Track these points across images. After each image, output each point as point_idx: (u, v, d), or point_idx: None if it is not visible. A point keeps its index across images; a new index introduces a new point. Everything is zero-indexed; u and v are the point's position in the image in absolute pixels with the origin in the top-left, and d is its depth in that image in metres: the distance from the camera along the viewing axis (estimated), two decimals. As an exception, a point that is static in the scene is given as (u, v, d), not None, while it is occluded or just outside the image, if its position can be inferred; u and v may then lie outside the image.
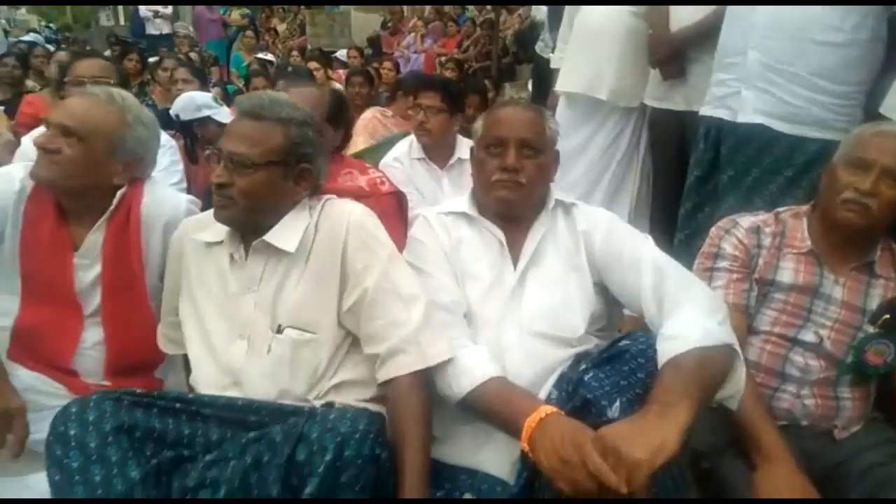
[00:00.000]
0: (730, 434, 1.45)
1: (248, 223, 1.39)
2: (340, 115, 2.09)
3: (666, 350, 1.20)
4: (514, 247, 1.49)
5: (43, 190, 1.55)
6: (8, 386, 1.40)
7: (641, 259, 1.39)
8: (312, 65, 5.57)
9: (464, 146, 2.70)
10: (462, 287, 1.45)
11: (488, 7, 9.21)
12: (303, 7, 12.70)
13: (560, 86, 2.95)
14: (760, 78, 1.91)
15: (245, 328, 1.39)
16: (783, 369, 1.52)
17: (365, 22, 12.12)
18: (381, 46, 10.07)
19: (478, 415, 1.31)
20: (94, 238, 1.58)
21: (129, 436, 1.20)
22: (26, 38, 8.01)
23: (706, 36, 2.37)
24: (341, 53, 7.83)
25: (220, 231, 1.42)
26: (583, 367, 1.28)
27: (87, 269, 1.59)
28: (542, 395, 1.34)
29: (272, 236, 1.38)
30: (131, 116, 1.56)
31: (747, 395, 1.34)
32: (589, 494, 1.05)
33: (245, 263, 1.41)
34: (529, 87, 6.12)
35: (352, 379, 1.41)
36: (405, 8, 11.44)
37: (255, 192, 1.33)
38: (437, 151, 2.66)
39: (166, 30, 10.57)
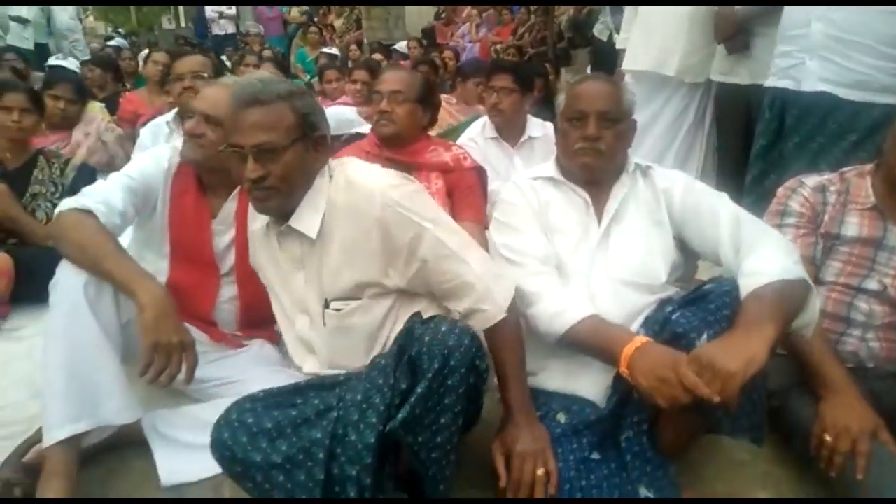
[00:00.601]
0: (797, 375, 1.60)
1: (286, 208, 1.44)
2: (430, 96, 2.30)
3: (747, 284, 1.35)
4: (598, 206, 1.64)
5: (186, 167, 1.81)
6: (182, 323, 1.56)
7: (719, 211, 1.54)
8: (377, 56, 5.80)
9: (534, 125, 2.88)
10: (551, 242, 1.61)
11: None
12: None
13: (627, 64, 3.08)
14: (824, 48, 2.01)
15: (303, 304, 1.52)
16: (848, 315, 1.64)
17: (418, 14, 12.33)
18: (436, 37, 10.25)
19: (575, 348, 1.49)
20: (229, 207, 1.83)
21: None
22: (112, 42, 8.57)
23: (769, 12, 2.48)
24: (400, 45, 8.04)
25: (262, 217, 1.53)
26: (669, 308, 1.45)
27: (223, 235, 1.84)
28: None
29: (296, 221, 1.44)
30: None
31: (814, 335, 1.49)
32: (684, 407, 1.23)
33: (285, 246, 1.51)
34: (588, 70, 6.22)
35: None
36: (458, -2, 11.61)
37: (291, 173, 1.38)
38: (509, 130, 2.84)
39: (231, 30, 11.06)
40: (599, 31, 5.13)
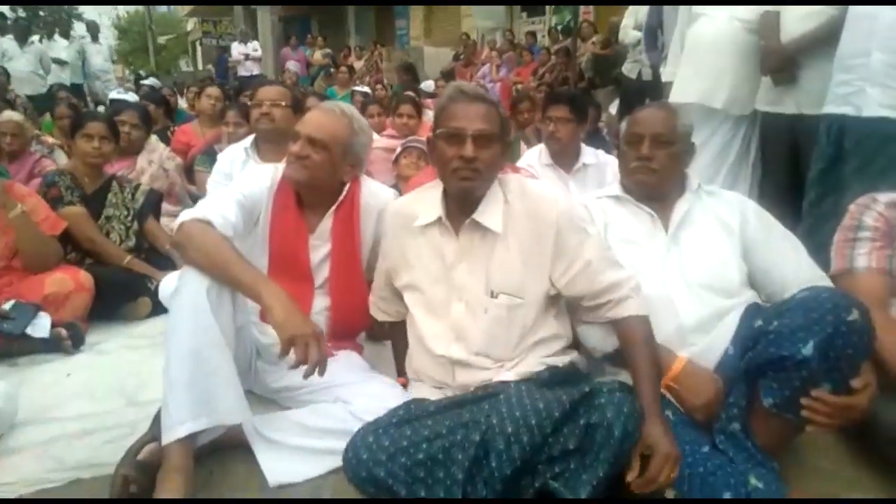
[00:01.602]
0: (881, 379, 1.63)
1: (477, 194, 1.61)
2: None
3: None
4: (664, 219, 1.78)
5: (286, 185, 1.92)
6: (308, 317, 1.67)
7: (798, 262, 1.71)
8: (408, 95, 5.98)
9: (587, 153, 3.01)
10: (619, 253, 1.72)
11: (561, 38, 9.61)
12: (378, 45, 13.47)
13: (674, 97, 3.20)
14: (885, 76, 2.14)
15: (462, 293, 1.64)
16: None
17: (436, 56, 12.73)
18: (456, 78, 10.53)
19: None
20: (325, 223, 1.93)
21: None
22: (146, 82, 8.92)
23: (816, 45, 2.62)
24: (426, 85, 8.28)
25: (433, 212, 1.66)
26: (760, 321, 1.52)
27: (319, 249, 1.94)
28: (717, 346, 1.62)
29: (480, 216, 1.61)
30: (356, 126, 1.91)
31: None
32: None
33: (457, 238, 1.65)
34: (611, 109, 6.40)
35: (547, 336, 1.67)
36: (477, 41, 11.98)
37: (492, 163, 1.59)
38: (564, 158, 2.96)
39: (256, 71, 11.42)
40: (629, 69, 5.32)
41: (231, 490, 1.67)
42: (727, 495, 1.38)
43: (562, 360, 1.66)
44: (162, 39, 27.13)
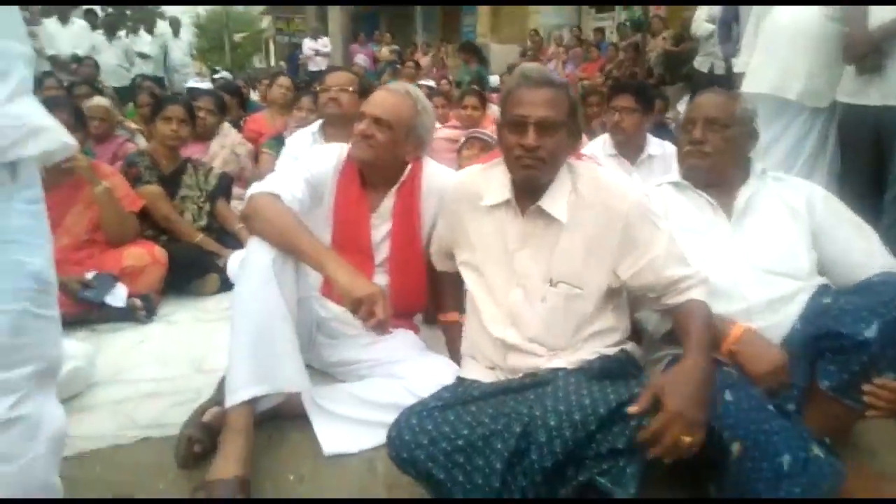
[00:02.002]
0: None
1: (542, 181, 1.57)
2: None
3: None
4: (726, 206, 1.73)
5: (350, 164, 1.96)
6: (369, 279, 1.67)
7: (864, 226, 1.64)
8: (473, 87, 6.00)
9: (653, 144, 2.93)
10: (681, 240, 1.64)
11: (630, 33, 9.40)
12: (444, 42, 13.54)
13: (746, 87, 3.08)
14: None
15: (521, 278, 1.60)
16: None
17: (502, 52, 12.68)
18: (522, 74, 10.44)
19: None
20: (387, 203, 1.96)
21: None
22: (218, 76, 9.33)
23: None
24: (492, 80, 8.30)
25: (501, 193, 1.62)
26: (828, 298, 1.47)
27: (380, 227, 1.97)
28: (785, 324, 1.57)
29: (546, 203, 1.57)
30: (420, 107, 1.93)
31: None
32: None
33: (523, 222, 1.61)
34: (679, 106, 6.21)
35: (604, 328, 1.63)
36: (543, 38, 11.88)
37: (557, 150, 1.54)
38: (629, 149, 2.90)
39: (324, 66, 11.70)
40: (700, 63, 5.16)
41: (285, 456, 1.72)
42: (787, 457, 1.31)
43: (615, 351, 1.62)
44: (238, 37, 28.15)
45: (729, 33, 4.30)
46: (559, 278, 1.58)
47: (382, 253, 1.99)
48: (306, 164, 1.93)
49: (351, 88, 2.86)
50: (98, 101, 3.87)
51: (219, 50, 29.44)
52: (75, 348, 1.99)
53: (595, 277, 1.59)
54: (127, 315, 2.53)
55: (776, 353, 1.49)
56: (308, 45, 11.95)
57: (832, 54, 2.81)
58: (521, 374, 1.57)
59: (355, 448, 1.72)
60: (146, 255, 2.66)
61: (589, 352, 1.59)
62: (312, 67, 11.71)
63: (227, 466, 1.52)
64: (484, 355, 1.69)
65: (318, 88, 3.06)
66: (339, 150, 1.98)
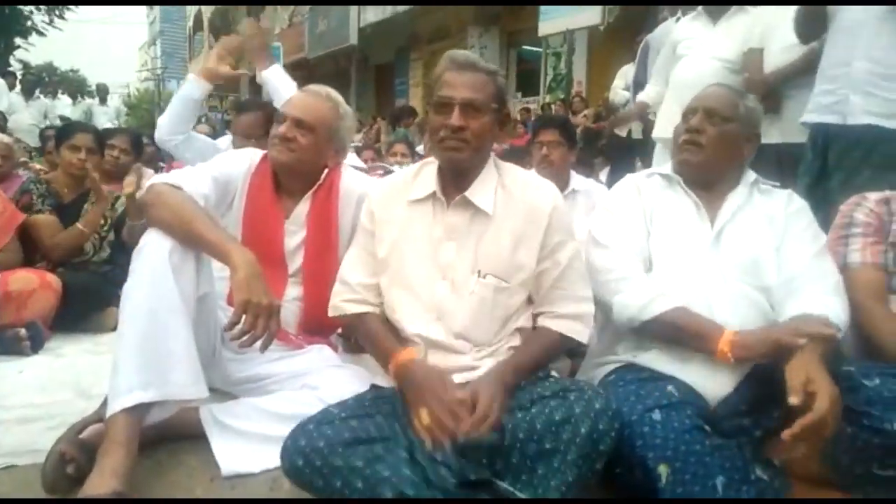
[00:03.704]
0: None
1: (466, 165, 1.54)
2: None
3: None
4: (711, 210, 1.66)
5: (264, 168, 1.87)
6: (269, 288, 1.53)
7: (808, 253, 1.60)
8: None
9: (576, 179, 2.99)
10: (657, 240, 1.64)
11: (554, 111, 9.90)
12: (377, 119, 13.86)
13: (658, 132, 3.23)
14: (868, 84, 2.15)
15: (447, 270, 1.54)
16: None
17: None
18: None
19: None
20: (302, 208, 1.87)
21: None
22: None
23: (798, 75, 2.68)
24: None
25: (427, 187, 1.58)
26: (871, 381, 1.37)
27: (294, 235, 1.87)
28: None
29: (472, 194, 1.54)
30: (342, 111, 1.89)
31: None
32: None
33: (448, 214, 1.56)
34: (602, 176, 6.48)
35: (524, 325, 1.58)
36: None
37: (483, 133, 1.50)
38: (555, 183, 2.92)
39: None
40: (619, 129, 5.40)
41: (178, 482, 1.52)
42: (721, 479, 1.24)
43: None
44: (169, 115, 27.88)
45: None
46: (486, 270, 1.53)
47: (296, 262, 1.88)
48: (214, 164, 1.82)
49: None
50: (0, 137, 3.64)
51: (149, 127, 29.07)
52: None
53: (521, 273, 1.55)
54: (8, 347, 2.26)
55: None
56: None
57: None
58: None
59: (258, 468, 1.54)
60: (35, 279, 2.42)
61: (506, 349, 1.54)
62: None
63: (102, 481, 1.32)
64: None
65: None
66: (251, 153, 1.90)
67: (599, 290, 1.61)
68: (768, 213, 1.65)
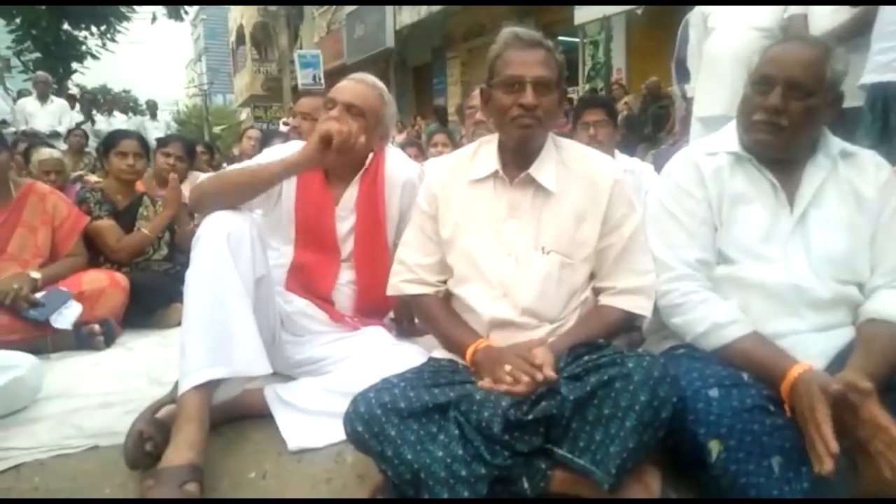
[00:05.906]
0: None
1: (536, 144, 1.54)
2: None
3: None
4: (789, 190, 1.48)
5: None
6: None
7: None
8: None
9: (622, 159, 2.96)
10: (730, 233, 1.50)
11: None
12: (418, 118, 13.98)
13: (697, 111, 3.15)
14: (927, 38, 2.06)
15: (512, 248, 1.54)
16: None
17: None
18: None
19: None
20: (350, 194, 1.92)
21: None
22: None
23: (850, 37, 2.56)
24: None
25: (488, 166, 1.58)
26: None
27: (345, 220, 1.92)
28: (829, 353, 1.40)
29: (535, 171, 1.53)
30: (386, 97, 1.93)
31: None
32: None
33: (511, 192, 1.56)
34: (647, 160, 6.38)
35: (587, 299, 1.59)
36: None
37: (553, 109, 1.50)
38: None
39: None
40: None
41: (247, 457, 1.59)
42: (777, 458, 1.19)
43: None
44: (217, 129, 28.82)
45: (686, 74, 4.47)
46: (550, 247, 1.53)
47: (348, 247, 1.93)
48: (260, 159, 1.87)
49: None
50: (49, 152, 3.80)
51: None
52: (17, 358, 1.85)
53: (583, 248, 1.54)
54: (82, 342, 2.39)
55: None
56: (284, 122, 12.30)
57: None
58: None
59: (322, 442, 1.60)
60: (105, 278, 2.55)
61: (570, 323, 1.54)
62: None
63: (177, 453, 1.39)
64: None
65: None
66: (295, 147, 1.95)
67: (659, 303, 1.54)
68: (856, 188, 1.45)
